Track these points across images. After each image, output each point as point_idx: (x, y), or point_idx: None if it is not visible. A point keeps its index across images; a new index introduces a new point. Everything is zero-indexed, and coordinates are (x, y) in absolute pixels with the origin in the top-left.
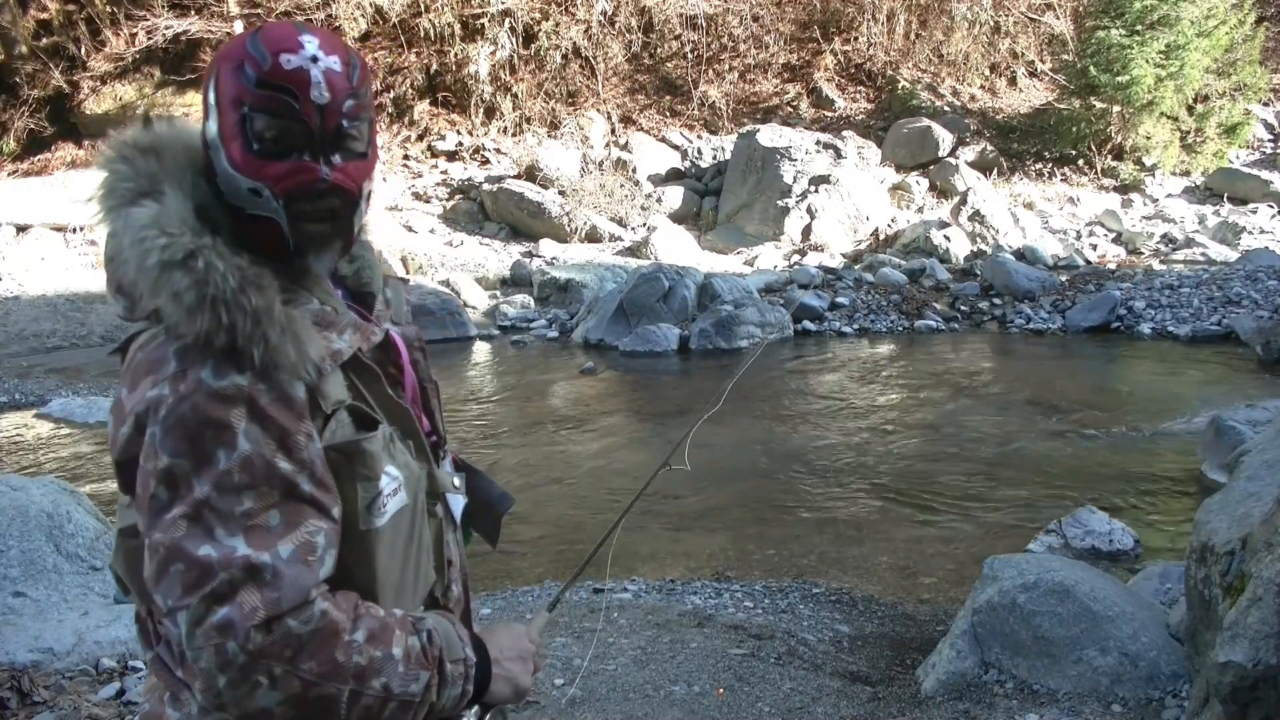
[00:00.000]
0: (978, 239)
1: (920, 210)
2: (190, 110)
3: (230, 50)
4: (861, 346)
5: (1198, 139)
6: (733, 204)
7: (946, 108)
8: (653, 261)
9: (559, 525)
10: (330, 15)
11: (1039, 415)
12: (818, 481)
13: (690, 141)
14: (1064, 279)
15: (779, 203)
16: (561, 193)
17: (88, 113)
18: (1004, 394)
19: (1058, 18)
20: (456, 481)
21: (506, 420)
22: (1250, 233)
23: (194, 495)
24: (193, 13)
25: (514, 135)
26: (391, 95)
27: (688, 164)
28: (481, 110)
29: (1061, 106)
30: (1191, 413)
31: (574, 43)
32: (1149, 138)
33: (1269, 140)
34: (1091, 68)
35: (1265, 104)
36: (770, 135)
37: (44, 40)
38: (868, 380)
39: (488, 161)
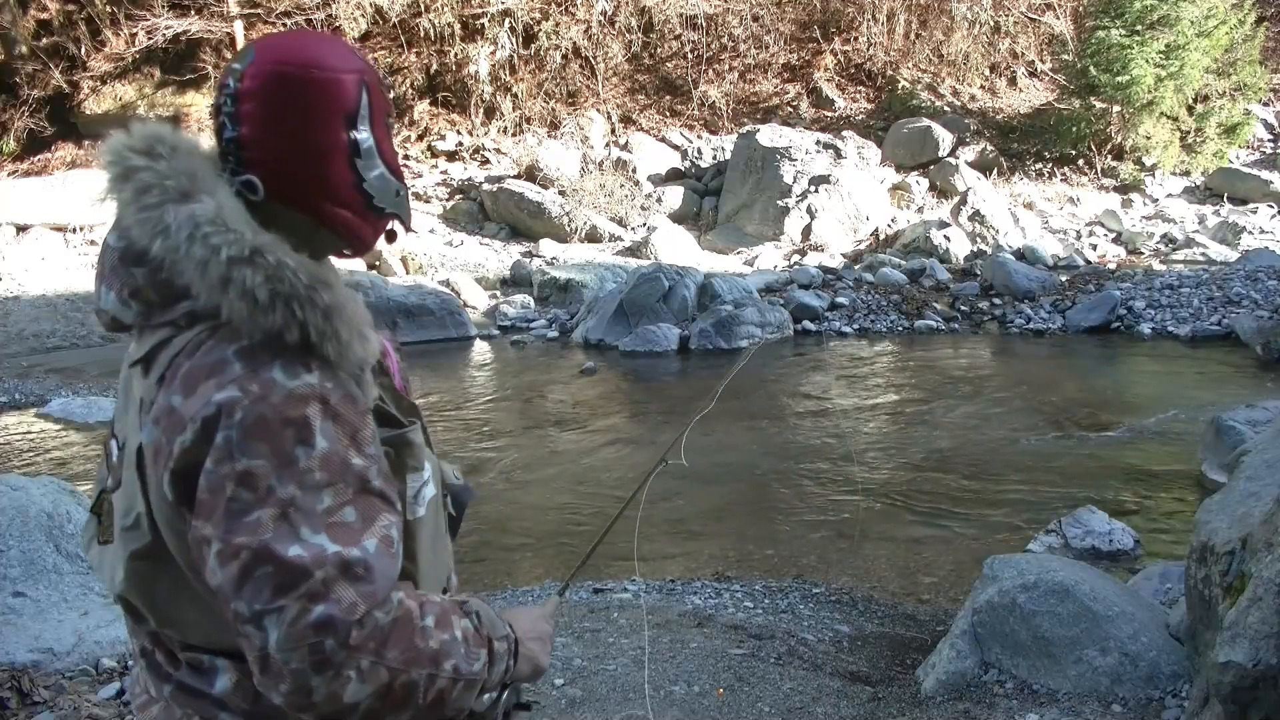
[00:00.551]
0: (978, 239)
1: (920, 210)
2: (190, 110)
3: (352, 60)
4: (861, 346)
5: (1198, 139)
6: (733, 204)
7: (946, 108)
8: (653, 261)
9: (559, 525)
10: (330, 15)
11: (1039, 415)
12: (818, 481)
13: (690, 141)
14: (1064, 279)
15: (779, 203)
16: (561, 193)
17: (88, 113)
18: (1004, 394)
19: (1058, 18)
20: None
21: (506, 420)
22: (1250, 233)
23: (277, 495)
24: (192, 13)
25: (514, 135)
26: (391, 95)
27: (688, 164)
28: (481, 110)
29: (1061, 106)
30: (1191, 413)
31: (574, 43)
32: (1149, 138)
33: (1269, 140)
34: (1091, 68)
35: (1265, 104)
36: (770, 135)
37: (44, 40)
38: (867, 380)
39: (488, 161)
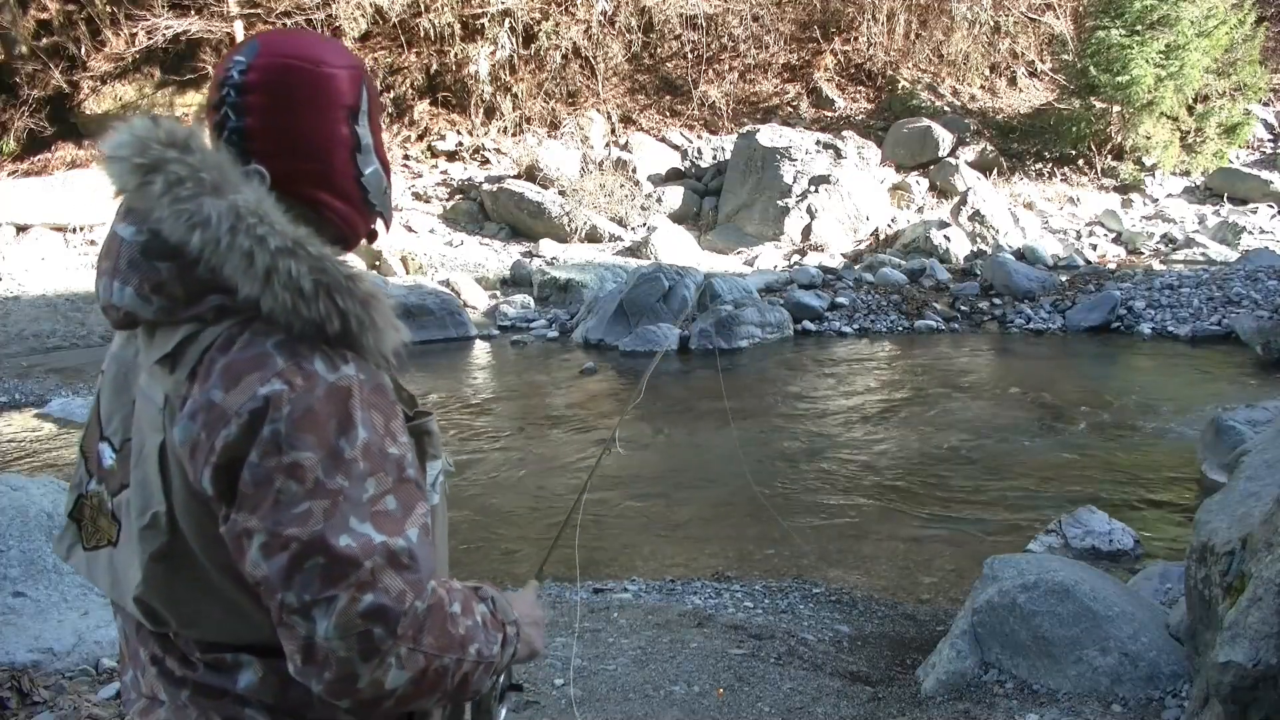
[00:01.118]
0: (978, 239)
1: (920, 210)
2: (190, 110)
3: (350, 58)
4: (861, 346)
5: (1198, 139)
6: (733, 204)
7: (946, 108)
8: (653, 261)
9: (558, 525)
10: (330, 15)
11: (1039, 415)
12: (818, 481)
13: (690, 141)
14: (1064, 279)
15: (779, 203)
16: (561, 193)
17: (88, 113)
18: (1004, 394)
19: (1058, 18)
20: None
21: (506, 420)
22: (1250, 233)
23: (326, 486)
24: (192, 13)
25: (514, 135)
26: (391, 95)
27: (688, 164)
28: (481, 110)
29: (1061, 106)
30: (1191, 413)
31: (574, 43)
32: (1149, 138)
33: (1269, 140)
34: (1091, 68)
35: (1265, 104)
36: (770, 135)
37: (44, 40)
38: (868, 380)
39: (488, 161)
